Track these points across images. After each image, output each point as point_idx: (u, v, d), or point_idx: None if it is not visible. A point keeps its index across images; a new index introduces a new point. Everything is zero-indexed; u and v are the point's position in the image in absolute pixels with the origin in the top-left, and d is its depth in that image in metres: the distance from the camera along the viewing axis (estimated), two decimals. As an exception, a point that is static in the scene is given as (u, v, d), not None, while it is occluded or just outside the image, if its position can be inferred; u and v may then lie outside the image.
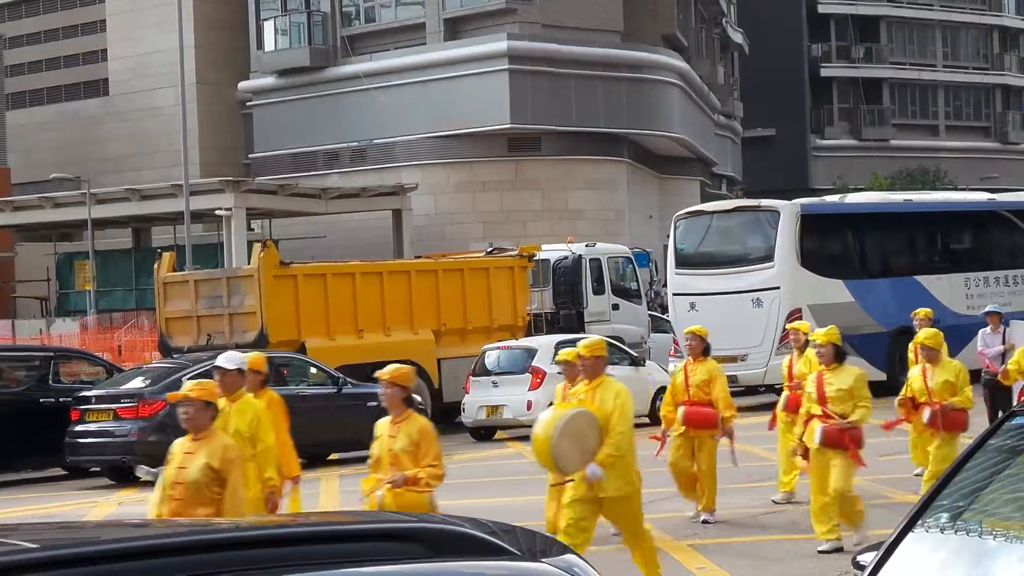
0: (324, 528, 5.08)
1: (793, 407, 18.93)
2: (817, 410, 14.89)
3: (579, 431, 12.71)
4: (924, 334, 17.06)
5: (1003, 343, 22.61)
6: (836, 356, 15.12)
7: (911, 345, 20.35)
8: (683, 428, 17.18)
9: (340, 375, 26.94)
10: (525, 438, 28.72)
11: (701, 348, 17.53)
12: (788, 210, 32.52)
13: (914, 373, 16.92)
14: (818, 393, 14.98)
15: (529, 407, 28.19)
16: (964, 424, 16.43)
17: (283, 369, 26.74)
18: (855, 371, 15.22)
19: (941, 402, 16.25)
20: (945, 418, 16.24)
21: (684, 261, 33.62)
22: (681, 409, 17.15)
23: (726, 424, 17.10)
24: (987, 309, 23.81)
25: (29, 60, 79.75)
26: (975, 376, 19.16)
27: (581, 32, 62.27)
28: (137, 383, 25.50)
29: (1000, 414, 20.95)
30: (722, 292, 32.13)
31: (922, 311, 22.37)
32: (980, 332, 23.40)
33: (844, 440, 14.59)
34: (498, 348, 30.31)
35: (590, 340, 13.78)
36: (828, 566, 13.90)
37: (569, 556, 5.76)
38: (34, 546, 4.45)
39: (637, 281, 38.49)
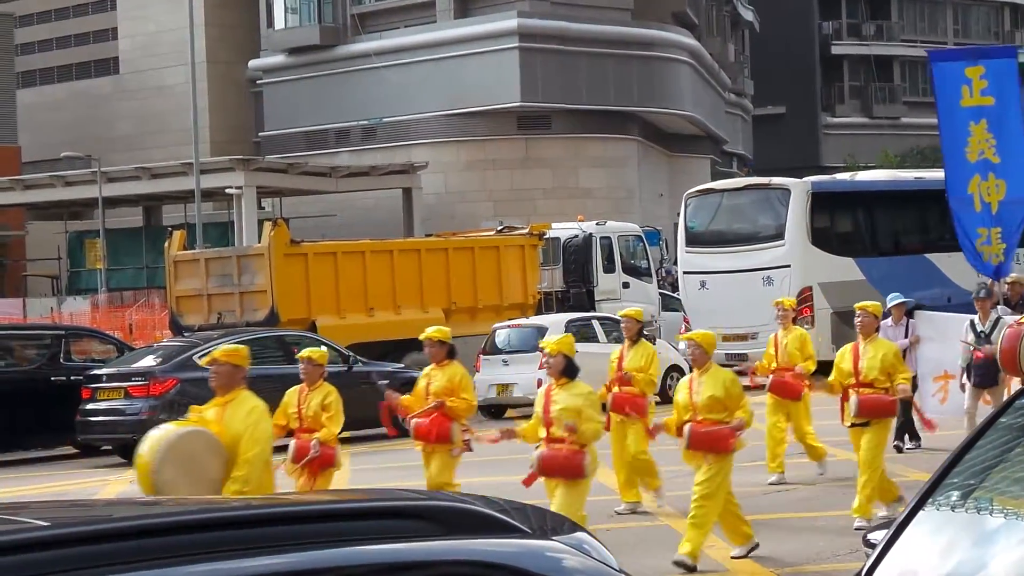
0: (332, 506, 5.07)
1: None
2: (543, 432, 12.77)
3: (189, 455, 10.56)
4: (693, 332, 14.30)
5: (907, 336, 19.92)
6: (565, 370, 12.72)
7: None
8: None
9: (351, 353, 26.94)
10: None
11: (444, 353, 15.24)
12: (798, 188, 32.47)
13: (681, 383, 14.18)
14: (544, 412, 12.75)
15: (539, 385, 28.31)
16: (730, 445, 13.59)
17: (293, 347, 26.75)
18: (585, 389, 12.72)
19: (706, 421, 13.47)
20: (706, 438, 13.48)
21: (694, 239, 33.59)
22: (413, 422, 15.16)
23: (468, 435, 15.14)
24: (890, 300, 20.74)
25: (39, 39, 79.76)
26: None
27: (591, 10, 62.20)
28: (148, 361, 25.51)
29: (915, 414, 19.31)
30: (732, 270, 32.10)
31: (786, 300, 19.88)
32: (881, 324, 20.32)
33: (571, 465, 12.80)
34: (508, 326, 30.30)
35: (230, 345, 11.56)
36: (840, 543, 13.90)
37: (580, 534, 5.76)
38: (45, 524, 4.45)
39: (647, 259, 38.45)
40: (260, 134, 68.07)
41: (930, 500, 6.00)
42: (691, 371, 14.21)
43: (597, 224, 37.96)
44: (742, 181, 37.88)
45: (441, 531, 4.77)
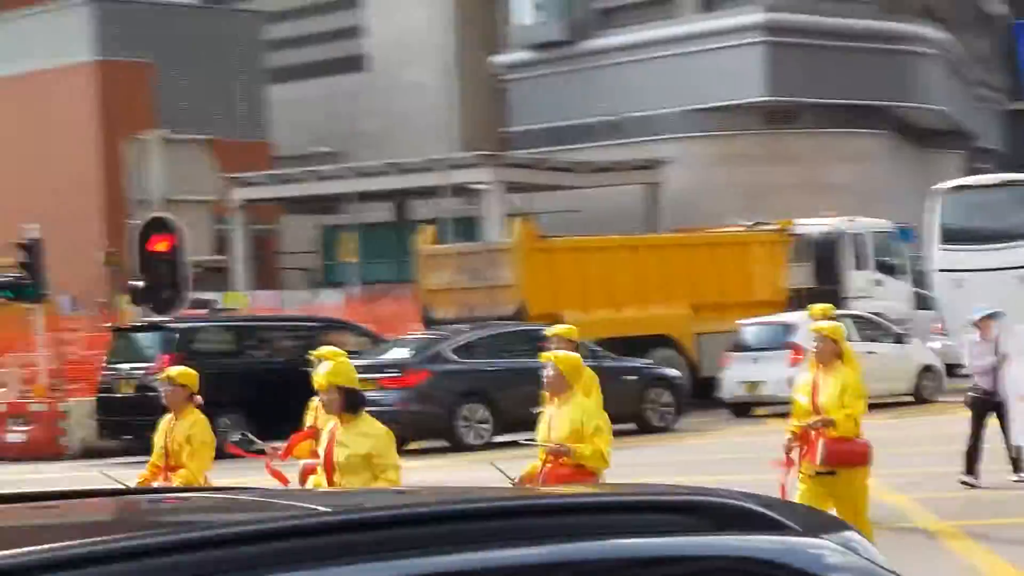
0: (600, 499, 5.06)
1: None
2: (323, 480, 10.33)
3: None
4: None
5: (996, 353, 18.29)
6: (346, 405, 9.84)
7: None
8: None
9: (599, 348, 27.01)
10: (784, 415, 28.51)
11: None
12: (1057, 185, 31.61)
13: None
14: (326, 456, 10.05)
15: (790, 384, 28.17)
16: None
17: (540, 342, 26.91)
18: (380, 429, 9.91)
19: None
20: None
21: (950, 236, 32.85)
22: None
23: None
24: (976, 313, 19.21)
25: (290, 36, 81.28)
26: None
27: (838, 3, 61.47)
28: (400, 353, 25.89)
29: None
30: (990, 268, 31.32)
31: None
32: (967, 339, 19.32)
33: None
34: (756, 323, 30.06)
35: None
36: None
37: (848, 533, 5.65)
38: (326, 509, 4.50)
39: (902, 257, 37.75)
40: (505, 130, 68.64)
41: None
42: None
43: (848, 220, 37.42)
44: (998, 177, 36.95)
45: (712, 527, 4.72)
